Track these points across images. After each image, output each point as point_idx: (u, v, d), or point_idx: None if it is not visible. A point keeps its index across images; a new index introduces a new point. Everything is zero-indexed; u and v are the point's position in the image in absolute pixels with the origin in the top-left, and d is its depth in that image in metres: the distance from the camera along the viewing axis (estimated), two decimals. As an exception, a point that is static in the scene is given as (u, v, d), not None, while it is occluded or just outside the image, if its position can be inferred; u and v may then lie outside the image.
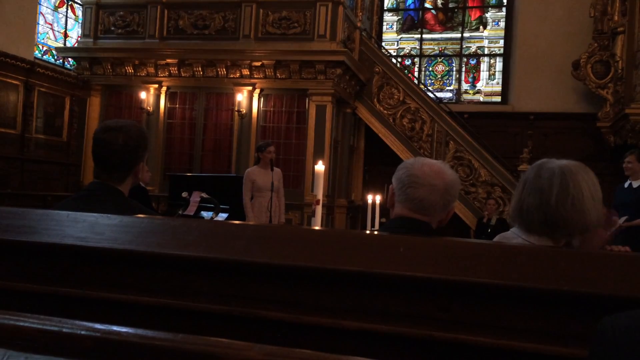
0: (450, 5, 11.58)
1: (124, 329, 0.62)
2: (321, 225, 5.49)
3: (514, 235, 1.59)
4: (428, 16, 11.66)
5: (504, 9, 11.11)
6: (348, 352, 0.90)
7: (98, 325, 0.63)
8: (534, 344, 0.88)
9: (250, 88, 8.70)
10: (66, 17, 10.16)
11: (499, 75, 11.12)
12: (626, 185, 5.39)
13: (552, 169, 1.55)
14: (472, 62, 11.39)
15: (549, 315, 0.89)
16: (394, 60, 10.46)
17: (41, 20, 9.44)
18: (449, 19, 11.56)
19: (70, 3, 10.17)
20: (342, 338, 0.94)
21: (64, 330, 0.62)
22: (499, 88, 11.08)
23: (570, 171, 1.53)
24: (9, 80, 8.03)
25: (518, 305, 0.90)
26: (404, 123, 9.21)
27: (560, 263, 0.92)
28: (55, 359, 0.62)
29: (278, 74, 8.56)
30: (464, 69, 11.36)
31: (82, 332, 0.62)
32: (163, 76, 9.01)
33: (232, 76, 8.73)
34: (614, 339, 0.67)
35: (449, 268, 0.93)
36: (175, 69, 8.89)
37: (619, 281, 0.87)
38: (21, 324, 0.64)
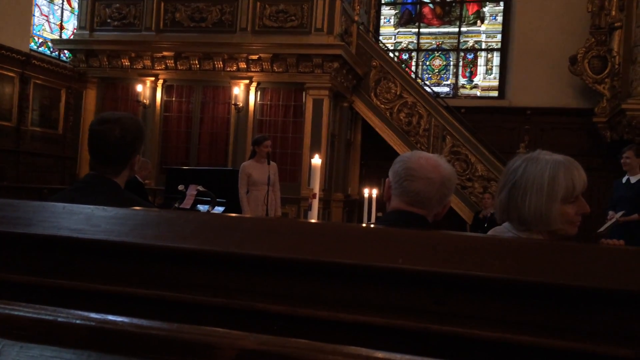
0: (448, -1, 11.57)
1: (119, 319, 0.62)
2: (318, 219, 5.49)
3: (505, 230, 1.59)
4: (425, 10, 11.64)
5: (501, 4, 11.10)
6: (344, 344, 0.90)
7: (93, 315, 0.63)
8: (530, 337, 0.88)
9: (247, 81, 8.68)
10: (62, 9, 10.10)
11: (496, 70, 11.12)
12: (624, 180, 5.42)
13: (519, 161, 1.55)
14: (470, 56, 11.38)
15: (544, 308, 0.89)
16: (391, 55, 10.45)
17: (37, 12, 9.38)
18: (447, 13, 11.54)
19: (66, -5, 10.11)
20: (339, 330, 0.94)
21: (59, 319, 0.62)
22: (496, 83, 11.08)
23: (531, 159, 1.53)
24: (5, 72, 7.99)
25: (513, 298, 0.90)
26: (401, 117, 9.21)
27: (555, 256, 0.92)
28: (50, 348, 0.61)
29: (275, 68, 8.54)
30: (461, 64, 11.35)
31: (78, 322, 0.62)
32: (159, 69, 8.98)
33: (229, 69, 8.71)
34: None
35: (445, 261, 0.93)
36: (172, 61, 8.86)
37: (614, 275, 0.88)
38: (16, 313, 0.64)
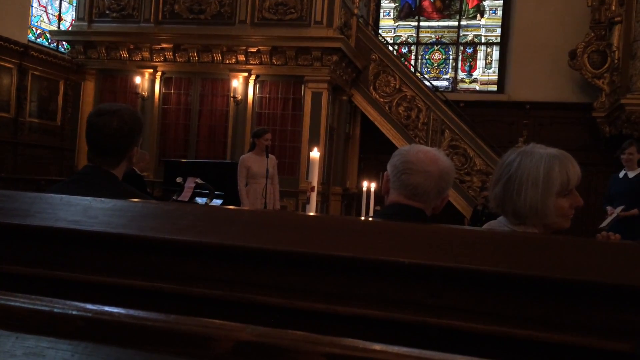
0: (448, -8, 11.53)
1: (115, 310, 0.62)
2: (316, 213, 5.49)
3: (500, 224, 1.59)
4: (425, 4, 11.60)
5: (501, -2, 11.07)
6: (342, 336, 0.91)
7: (90, 306, 0.63)
8: (525, 330, 0.88)
9: (246, 74, 8.66)
10: (60, 0, 10.05)
11: (495, 64, 11.10)
12: (621, 175, 5.41)
13: (513, 155, 1.56)
14: (469, 50, 11.36)
15: (540, 302, 0.89)
16: (390, 48, 10.42)
17: (35, 3, 9.34)
18: (447, 6, 11.50)
19: (64, -14, 10.05)
20: (336, 323, 0.94)
21: (55, 310, 0.62)
22: (495, 77, 11.06)
23: (525, 153, 1.53)
24: (3, 64, 7.96)
25: (510, 292, 0.90)
26: (400, 111, 9.20)
27: (552, 250, 0.93)
28: (46, 338, 0.61)
29: (274, 60, 8.52)
30: (460, 58, 11.33)
31: (74, 312, 0.62)
32: (158, 61, 8.95)
33: (227, 62, 8.68)
34: None
35: (441, 255, 0.93)
36: (171, 53, 8.83)
37: (610, 269, 0.88)
38: (12, 303, 0.64)
